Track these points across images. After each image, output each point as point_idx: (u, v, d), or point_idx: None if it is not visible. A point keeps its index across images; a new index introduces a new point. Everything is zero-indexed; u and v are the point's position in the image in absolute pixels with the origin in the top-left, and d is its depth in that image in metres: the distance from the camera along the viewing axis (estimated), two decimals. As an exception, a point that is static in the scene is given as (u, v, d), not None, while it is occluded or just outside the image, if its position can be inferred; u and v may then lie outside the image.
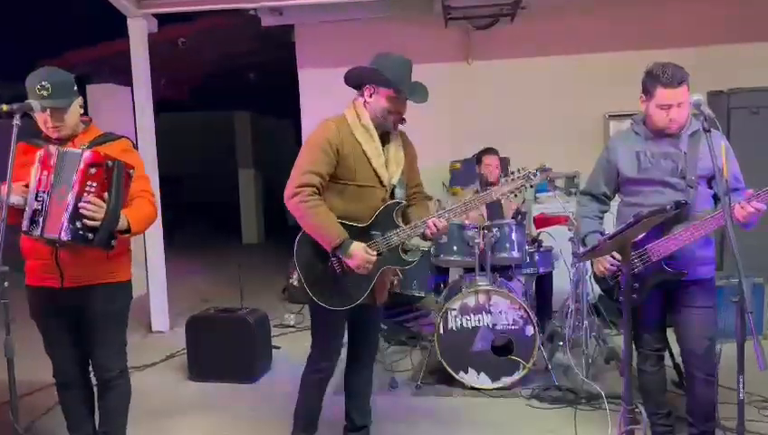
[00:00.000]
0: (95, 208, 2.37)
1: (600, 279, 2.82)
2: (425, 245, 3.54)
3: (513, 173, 2.67)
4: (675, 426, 2.92)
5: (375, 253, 2.59)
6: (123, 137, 2.75)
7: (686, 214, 2.53)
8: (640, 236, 2.49)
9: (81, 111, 2.63)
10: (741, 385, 1.96)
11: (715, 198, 2.72)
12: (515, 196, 2.75)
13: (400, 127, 2.72)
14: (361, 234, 2.61)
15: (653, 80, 2.57)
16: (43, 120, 2.51)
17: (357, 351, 2.94)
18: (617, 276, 2.66)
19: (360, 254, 2.54)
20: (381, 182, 2.64)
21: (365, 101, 2.64)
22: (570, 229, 4.14)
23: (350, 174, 2.60)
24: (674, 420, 2.95)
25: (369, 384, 3.02)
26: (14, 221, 2.40)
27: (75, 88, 2.59)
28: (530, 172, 2.63)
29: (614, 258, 2.64)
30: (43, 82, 2.43)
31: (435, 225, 2.59)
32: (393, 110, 2.60)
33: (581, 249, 2.75)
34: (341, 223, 2.58)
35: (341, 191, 2.63)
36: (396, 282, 4.46)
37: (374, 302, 2.75)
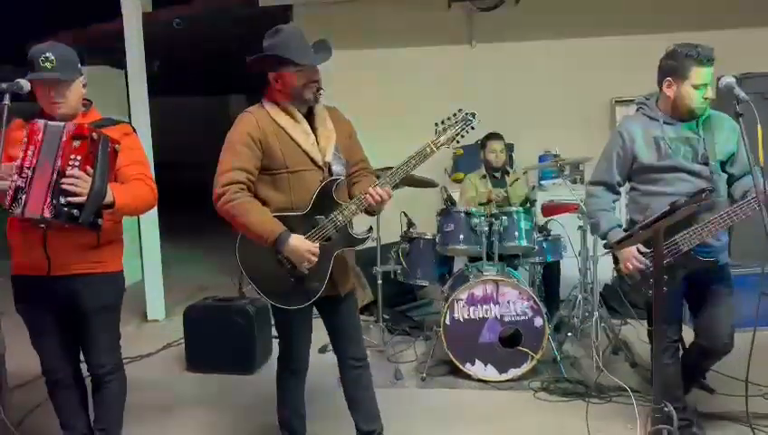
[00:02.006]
0: (79, 182, 2.23)
1: (623, 276, 2.71)
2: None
3: (447, 120, 2.43)
4: (693, 420, 2.84)
5: (317, 241, 2.41)
6: (124, 121, 2.63)
7: (712, 201, 2.44)
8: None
9: (84, 92, 2.49)
10: None
11: (729, 182, 2.68)
12: (458, 142, 2.47)
13: (336, 104, 2.60)
14: (304, 222, 2.43)
15: (687, 60, 2.47)
16: (44, 94, 2.37)
17: (338, 350, 2.71)
18: (644, 271, 2.55)
19: (298, 246, 2.35)
20: (316, 163, 2.45)
21: (276, 89, 2.46)
22: (579, 218, 4.04)
23: (280, 162, 2.42)
24: (690, 414, 2.87)
25: (363, 387, 2.75)
26: (2, 200, 2.26)
27: (79, 66, 2.47)
28: (467, 113, 2.42)
29: (640, 252, 2.53)
30: (48, 54, 2.32)
31: (377, 194, 2.38)
32: (305, 83, 2.41)
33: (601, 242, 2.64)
34: (281, 216, 2.40)
35: (274, 182, 2.45)
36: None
37: (337, 292, 2.55)
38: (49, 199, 2.21)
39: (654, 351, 1.94)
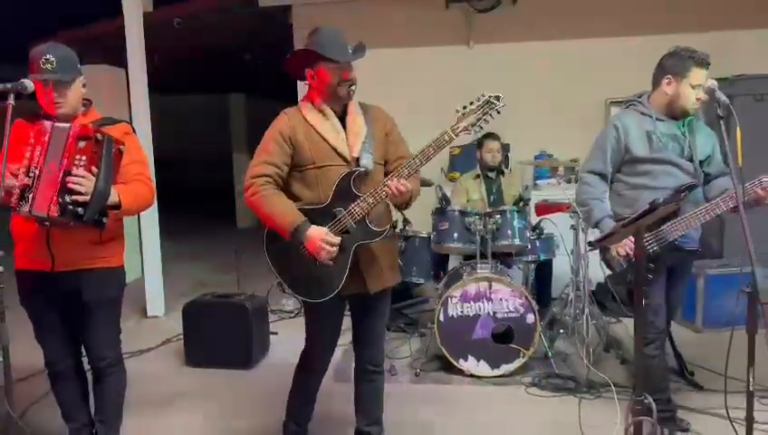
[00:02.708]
0: (83, 181, 2.30)
1: (609, 264, 2.80)
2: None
3: (469, 105, 2.33)
4: (676, 411, 2.93)
5: (337, 233, 2.40)
6: (123, 121, 2.69)
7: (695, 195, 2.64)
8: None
9: (84, 91, 2.56)
10: (751, 377, 1.93)
11: (705, 181, 2.86)
12: (481, 127, 2.36)
13: (377, 104, 2.64)
14: (324, 214, 2.43)
15: (687, 60, 2.64)
16: (45, 94, 2.44)
17: (356, 351, 2.75)
18: (631, 259, 2.65)
19: (316, 236, 2.36)
20: (343, 158, 2.47)
21: (312, 86, 2.53)
22: (571, 217, 4.11)
23: (308, 159, 2.46)
24: (674, 407, 2.96)
25: (374, 393, 2.78)
26: (8, 201, 2.33)
27: (78, 66, 2.53)
28: (490, 96, 2.30)
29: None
30: (48, 56, 2.39)
31: (394, 186, 2.33)
32: (339, 80, 2.44)
33: (591, 232, 2.74)
34: (303, 208, 2.44)
35: (304, 178, 2.49)
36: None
37: (366, 290, 2.52)
38: (55, 198, 2.28)
39: (635, 342, 2.00)
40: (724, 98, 2.14)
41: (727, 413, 2.37)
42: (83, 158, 2.32)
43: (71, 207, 2.30)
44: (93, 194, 2.32)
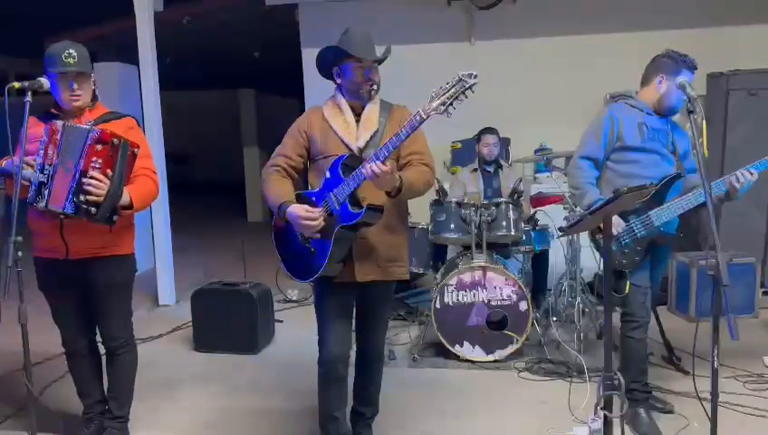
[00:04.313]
0: (99, 184, 2.48)
1: (598, 245, 2.99)
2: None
3: (445, 84, 2.26)
4: (651, 393, 3.12)
5: (319, 212, 2.43)
6: (128, 115, 2.85)
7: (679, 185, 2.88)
8: (638, 205, 2.81)
9: (93, 87, 2.74)
10: (715, 354, 2.06)
11: None
12: (453, 107, 2.26)
13: (397, 103, 2.70)
14: (318, 197, 2.53)
15: (679, 63, 2.84)
16: (65, 88, 2.61)
17: (356, 337, 2.81)
18: (620, 241, 2.86)
19: (295, 212, 2.42)
20: (350, 149, 2.56)
21: (338, 84, 2.66)
22: (565, 208, 4.24)
23: (321, 150, 2.61)
24: (650, 389, 3.12)
25: (371, 378, 2.86)
26: (25, 195, 2.53)
27: (91, 63, 2.72)
28: (463, 74, 2.23)
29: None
30: (70, 50, 2.58)
31: (369, 168, 2.29)
32: (362, 79, 2.54)
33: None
34: (302, 193, 2.58)
35: (315, 168, 2.65)
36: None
37: (353, 278, 2.55)
38: (71, 196, 2.47)
39: (604, 322, 2.14)
40: (693, 93, 2.29)
41: (696, 392, 2.53)
42: (99, 160, 2.49)
43: (84, 206, 2.48)
44: (107, 195, 2.50)
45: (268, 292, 4.52)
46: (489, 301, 3.86)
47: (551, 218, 4.45)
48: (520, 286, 3.85)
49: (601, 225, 2.47)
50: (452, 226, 4.09)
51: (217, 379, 3.86)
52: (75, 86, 2.62)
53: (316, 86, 6.16)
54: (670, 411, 3.16)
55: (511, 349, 3.86)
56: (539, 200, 4.45)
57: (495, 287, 3.85)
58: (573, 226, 2.30)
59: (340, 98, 2.63)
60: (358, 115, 2.60)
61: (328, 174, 2.50)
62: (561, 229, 2.97)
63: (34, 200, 2.53)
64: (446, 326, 3.90)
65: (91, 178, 2.47)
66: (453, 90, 2.24)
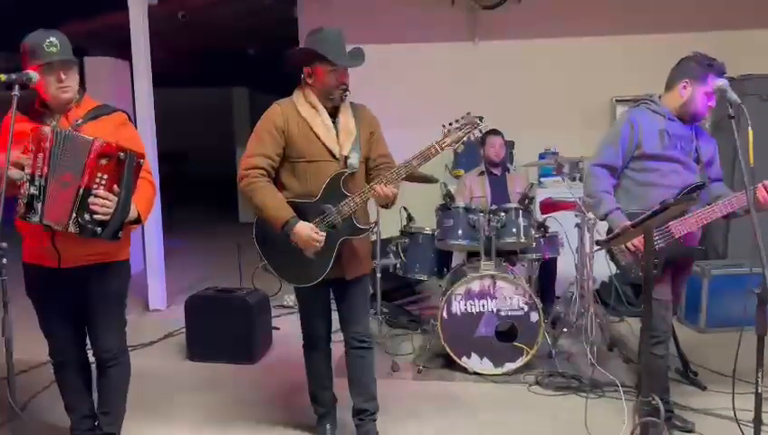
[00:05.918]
0: (106, 203, 2.29)
1: (614, 257, 2.82)
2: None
3: (455, 122, 2.58)
4: (674, 412, 2.99)
5: (323, 230, 2.58)
6: (120, 110, 2.65)
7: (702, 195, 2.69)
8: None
9: (78, 79, 2.52)
10: (760, 379, 1.91)
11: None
12: (464, 144, 2.66)
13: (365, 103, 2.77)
14: (314, 209, 2.61)
15: (706, 68, 2.67)
16: (53, 79, 2.39)
17: (344, 330, 2.88)
18: (637, 254, 2.69)
19: (302, 233, 2.54)
20: (333, 155, 2.62)
21: (307, 83, 2.65)
22: (577, 215, 4.09)
23: (300, 152, 2.61)
24: (672, 407, 2.99)
25: (365, 368, 2.88)
26: (13, 193, 2.30)
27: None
28: (475, 117, 2.55)
29: None
30: (51, 38, 2.36)
31: (381, 190, 2.54)
32: (335, 83, 2.58)
33: (597, 232, 2.76)
34: (294, 202, 2.60)
35: (294, 170, 2.64)
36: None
37: (343, 275, 2.70)
38: (75, 215, 2.27)
39: (641, 341, 1.99)
40: (735, 97, 2.13)
41: (735, 415, 2.36)
42: (105, 176, 2.29)
43: (90, 226, 2.29)
44: (114, 214, 2.31)
45: (266, 299, 4.35)
46: (499, 311, 3.70)
47: (561, 225, 4.30)
48: (531, 296, 3.69)
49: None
50: (459, 232, 3.92)
51: (213, 390, 3.67)
52: (64, 76, 2.40)
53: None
54: (691, 431, 3.01)
55: (521, 361, 3.71)
56: (549, 206, 4.30)
57: (506, 297, 3.69)
58: (613, 238, 2.14)
59: (312, 97, 2.63)
60: (330, 115, 2.65)
61: (325, 187, 2.59)
62: (597, 243, 2.82)
63: (25, 215, 2.29)
64: (454, 337, 3.73)
65: (98, 197, 2.27)
66: (464, 129, 2.53)
